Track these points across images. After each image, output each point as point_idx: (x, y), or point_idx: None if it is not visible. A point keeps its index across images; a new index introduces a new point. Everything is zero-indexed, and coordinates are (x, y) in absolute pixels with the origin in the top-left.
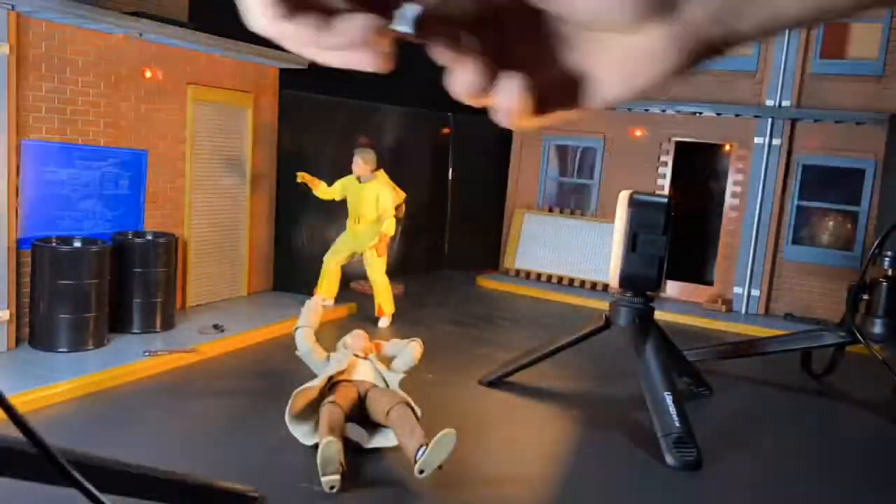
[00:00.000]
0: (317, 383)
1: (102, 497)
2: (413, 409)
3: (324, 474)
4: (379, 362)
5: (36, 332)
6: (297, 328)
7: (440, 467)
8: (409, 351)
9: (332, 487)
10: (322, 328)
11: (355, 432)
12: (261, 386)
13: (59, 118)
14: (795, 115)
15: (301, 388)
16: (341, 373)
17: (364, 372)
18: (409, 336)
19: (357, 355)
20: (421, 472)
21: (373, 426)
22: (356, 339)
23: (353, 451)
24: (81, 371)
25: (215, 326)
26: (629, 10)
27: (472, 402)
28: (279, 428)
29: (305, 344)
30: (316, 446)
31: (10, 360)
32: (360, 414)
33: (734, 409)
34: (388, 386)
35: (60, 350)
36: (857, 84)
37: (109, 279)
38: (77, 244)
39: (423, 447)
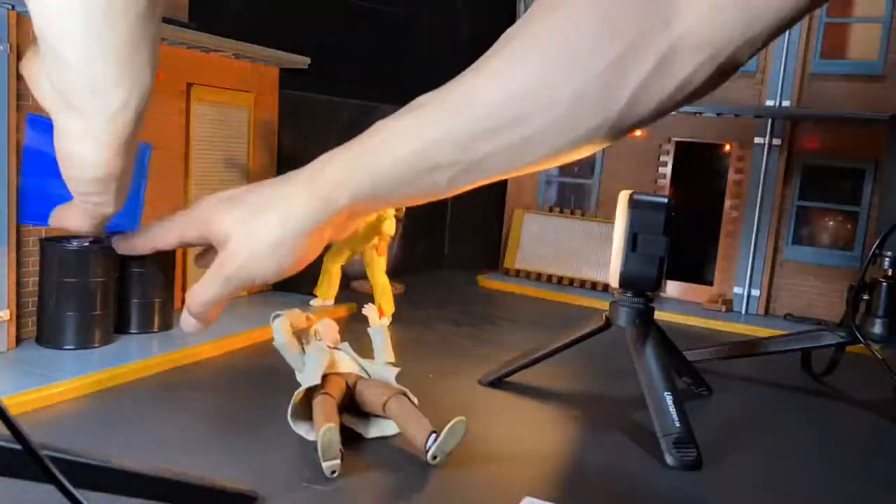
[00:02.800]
0: (316, 380)
1: (79, 495)
2: (410, 399)
3: (325, 459)
4: (353, 353)
5: (42, 330)
6: (275, 317)
7: (449, 453)
8: (376, 334)
9: (333, 472)
10: None
11: (353, 422)
12: (261, 386)
13: None
14: (795, 116)
15: (300, 388)
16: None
17: (346, 363)
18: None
19: (330, 346)
20: (434, 458)
21: (366, 417)
22: (327, 329)
23: (349, 448)
24: (86, 370)
25: None
26: None
27: (472, 402)
28: (279, 427)
29: (283, 335)
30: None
31: (12, 360)
32: (351, 405)
33: (734, 409)
34: (369, 377)
35: (67, 348)
36: (857, 84)
37: (117, 277)
38: (85, 241)
39: (434, 434)
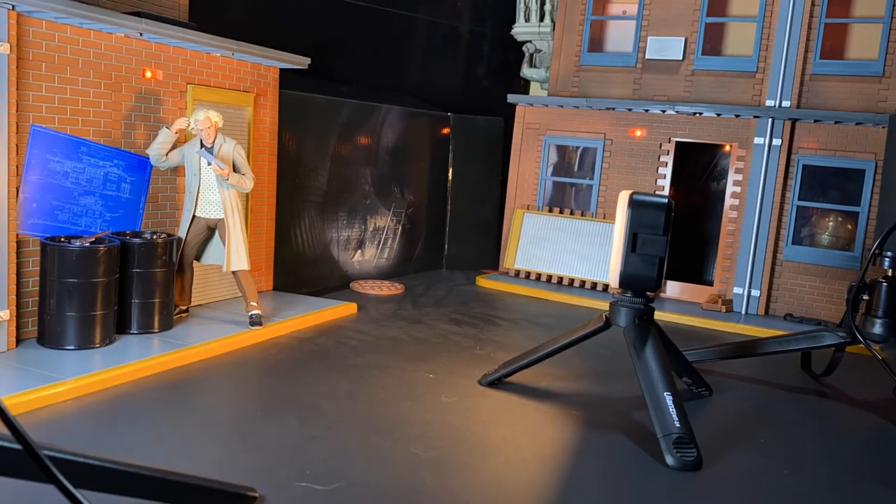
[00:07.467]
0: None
1: (78, 494)
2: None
3: None
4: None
5: (43, 330)
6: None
7: None
8: None
9: None
10: (324, 326)
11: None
12: (261, 385)
13: (60, 118)
14: (795, 116)
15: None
16: None
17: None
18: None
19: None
20: None
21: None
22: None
23: (346, 451)
24: (87, 370)
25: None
26: None
27: (472, 401)
28: (278, 427)
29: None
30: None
31: (13, 360)
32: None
33: (734, 409)
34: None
35: (68, 348)
36: (857, 84)
37: (118, 277)
38: (85, 242)
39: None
